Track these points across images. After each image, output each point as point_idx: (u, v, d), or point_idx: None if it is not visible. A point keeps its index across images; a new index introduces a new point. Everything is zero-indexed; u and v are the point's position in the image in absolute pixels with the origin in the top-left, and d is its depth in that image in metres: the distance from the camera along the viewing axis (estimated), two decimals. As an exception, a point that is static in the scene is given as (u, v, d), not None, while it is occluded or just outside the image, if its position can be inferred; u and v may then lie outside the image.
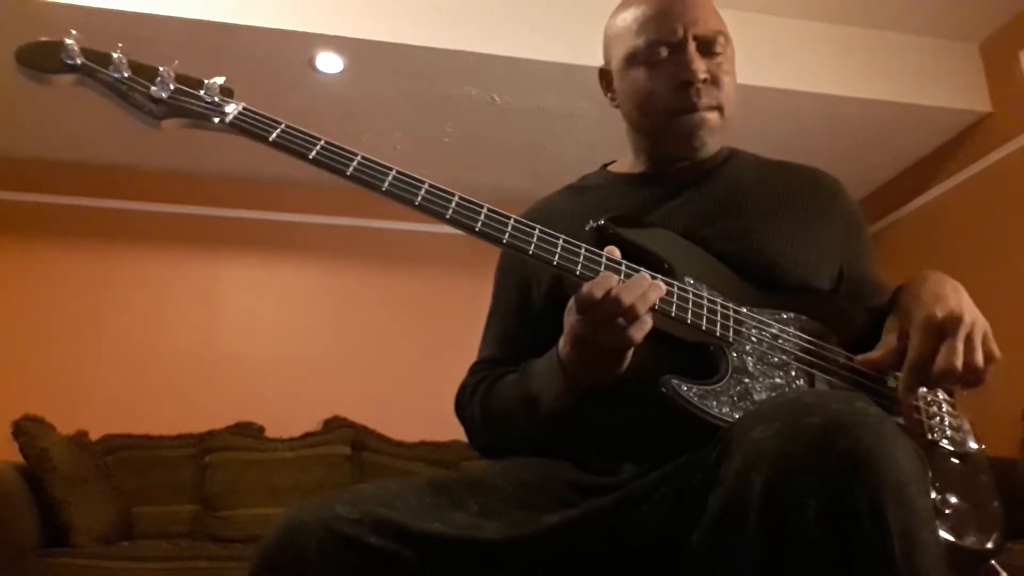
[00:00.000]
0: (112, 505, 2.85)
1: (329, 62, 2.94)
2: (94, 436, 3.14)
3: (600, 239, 0.95)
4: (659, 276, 0.90)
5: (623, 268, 0.88)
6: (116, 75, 0.90)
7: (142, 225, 3.74)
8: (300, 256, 3.92)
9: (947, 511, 0.88)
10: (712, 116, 1.05)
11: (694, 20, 1.04)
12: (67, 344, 3.49)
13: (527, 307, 1.09)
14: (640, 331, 0.83)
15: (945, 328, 0.88)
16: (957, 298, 0.91)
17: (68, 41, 0.89)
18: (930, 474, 0.89)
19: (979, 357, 0.88)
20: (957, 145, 3.49)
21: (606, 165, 1.21)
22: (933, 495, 0.88)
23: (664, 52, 1.04)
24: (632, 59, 1.07)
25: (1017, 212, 3.16)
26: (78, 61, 0.89)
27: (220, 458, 3.19)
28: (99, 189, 3.72)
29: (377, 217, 3.86)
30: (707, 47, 1.04)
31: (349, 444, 3.38)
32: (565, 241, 0.88)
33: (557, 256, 0.87)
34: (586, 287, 0.83)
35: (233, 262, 3.84)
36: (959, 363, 0.86)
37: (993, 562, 0.90)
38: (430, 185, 0.88)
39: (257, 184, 3.86)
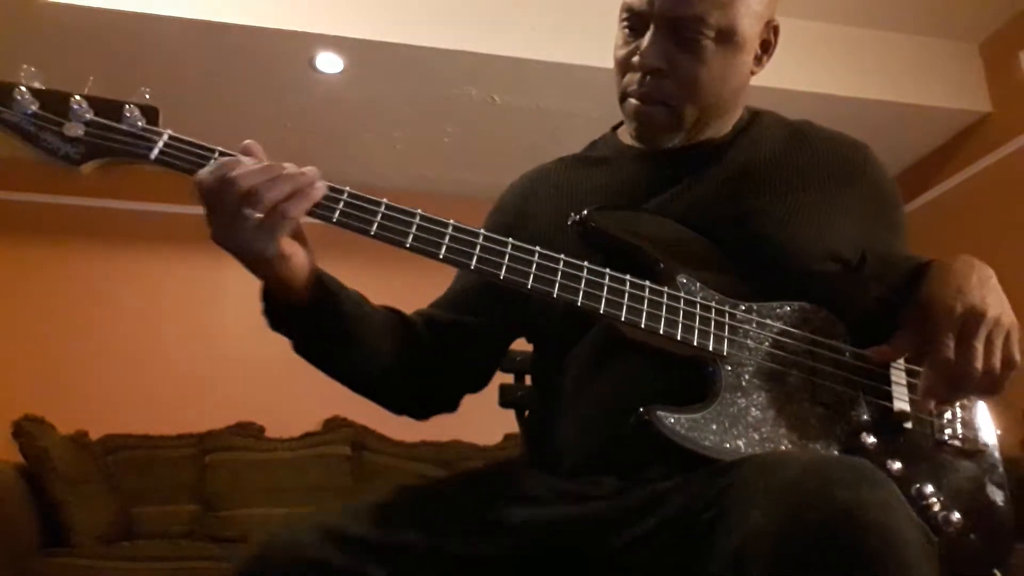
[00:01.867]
0: (112, 505, 2.85)
1: (329, 62, 2.94)
2: (94, 436, 3.13)
3: (584, 233, 0.89)
4: (648, 284, 0.85)
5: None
6: (22, 113, 0.75)
7: (142, 225, 3.74)
8: (300, 256, 3.91)
9: (948, 529, 0.83)
10: (657, 112, 0.94)
11: None
12: (67, 344, 3.49)
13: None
14: (272, 229, 0.75)
15: (965, 325, 0.81)
16: (982, 291, 0.83)
17: None
18: (935, 491, 0.85)
19: (996, 361, 0.81)
20: (957, 145, 3.49)
21: (616, 128, 1.11)
22: (937, 509, 0.84)
23: (633, 22, 0.94)
24: (619, 18, 0.97)
25: (1017, 212, 3.16)
26: None
27: (220, 458, 3.19)
28: (99, 189, 3.71)
29: (377, 217, 3.85)
30: (677, 32, 0.91)
31: (349, 444, 3.38)
32: (540, 255, 0.82)
33: (531, 278, 0.81)
34: (198, 174, 0.76)
35: (233, 262, 3.78)
36: (978, 365, 0.80)
37: (996, 572, 0.86)
38: (387, 206, 0.83)
39: (257, 184, 3.86)
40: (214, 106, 3.11)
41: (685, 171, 0.98)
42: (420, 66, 2.95)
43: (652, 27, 0.91)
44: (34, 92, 0.77)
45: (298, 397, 3.56)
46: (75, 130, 0.77)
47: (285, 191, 0.75)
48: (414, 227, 0.82)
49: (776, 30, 1.01)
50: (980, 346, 0.81)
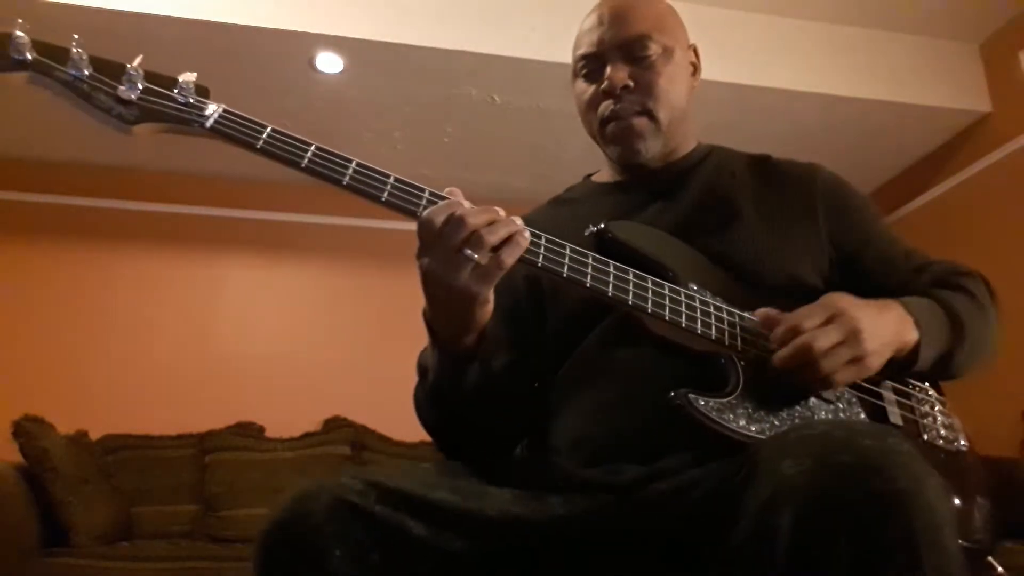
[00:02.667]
0: (112, 505, 2.85)
1: (329, 62, 2.94)
2: (94, 436, 3.14)
3: (600, 244, 0.95)
4: (667, 284, 0.90)
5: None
6: (75, 73, 0.79)
7: (142, 225, 3.74)
8: (300, 256, 3.91)
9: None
10: (639, 121, 1.05)
11: (615, 28, 1.05)
12: (67, 344, 3.49)
13: (516, 303, 1.06)
14: (489, 274, 0.79)
15: (839, 329, 0.83)
16: (881, 328, 0.86)
17: (17, 33, 0.77)
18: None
19: (831, 367, 0.82)
20: (957, 145, 3.49)
21: (589, 176, 1.22)
22: None
23: (590, 65, 1.08)
24: (573, 73, 1.12)
25: (1017, 212, 3.16)
26: (29, 56, 0.77)
27: (220, 458, 3.19)
28: (99, 189, 3.72)
29: (377, 217, 3.86)
30: (631, 53, 1.05)
31: (349, 444, 3.38)
32: (572, 250, 0.86)
33: (566, 267, 0.85)
34: (426, 212, 0.80)
35: (233, 262, 3.84)
36: (821, 346, 0.81)
37: (990, 558, 0.90)
38: (431, 193, 0.84)
39: (257, 184, 3.86)
40: (214, 106, 3.11)
41: (655, 197, 1.07)
42: (420, 66, 2.95)
43: (608, 59, 1.05)
44: (90, 57, 0.79)
45: (298, 397, 3.57)
46: (129, 94, 0.79)
47: (502, 236, 0.79)
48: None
49: (697, 52, 1.16)
50: (833, 339, 0.82)
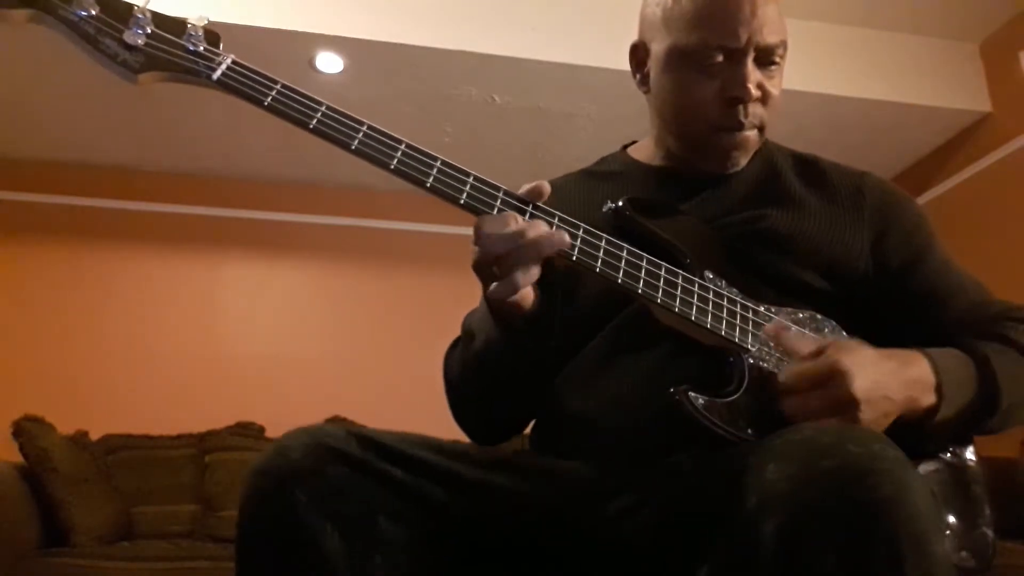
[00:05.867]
0: (112, 505, 2.85)
1: (329, 62, 2.94)
2: (94, 436, 3.13)
3: (617, 223, 0.91)
4: (681, 272, 0.88)
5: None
6: (81, 13, 0.75)
7: (142, 225, 3.74)
8: (300, 256, 3.91)
9: (945, 531, 0.85)
10: (752, 135, 0.98)
11: (760, 26, 0.93)
12: (67, 344, 3.49)
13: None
14: (508, 286, 0.78)
15: (832, 383, 0.76)
16: (888, 393, 0.78)
17: None
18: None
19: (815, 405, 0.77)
20: (957, 145, 3.49)
21: (627, 146, 1.14)
22: None
23: (719, 58, 0.94)
24: (679, 55, 0.96)
25: (1017, 212, 3.16)
26: None
27: (220, 458, 3.19)
28: (99, 189, 3.72)
29: (377, 217, 3.86)
30: (766, 58, 0.96)
31: (349, 444, 3.38)
32: (586, 231, 0.84)
33: (576, 250, 0.82)
34: (479, 219, 0.80)
35: (233, 262, 3.84)
36: (804, 413, 0.77)
37: None
38: (443, 162, 0.82)
39: (257, 184, 3.86)
40: (214, 106, 3.11)
41: (697, 190, 1.01)
42: (420, 66, 2.95)
43: (747, 59, 0.94)
44: None
45: (298, 397, 3.57)
46: (135, 39, 0.76)
47: (547, 254, 0.79)
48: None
49: None
50: (818, 409, 0.77)
